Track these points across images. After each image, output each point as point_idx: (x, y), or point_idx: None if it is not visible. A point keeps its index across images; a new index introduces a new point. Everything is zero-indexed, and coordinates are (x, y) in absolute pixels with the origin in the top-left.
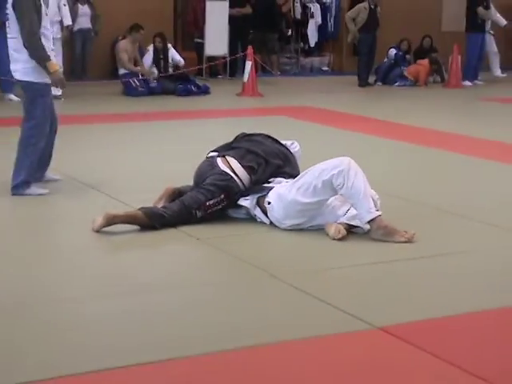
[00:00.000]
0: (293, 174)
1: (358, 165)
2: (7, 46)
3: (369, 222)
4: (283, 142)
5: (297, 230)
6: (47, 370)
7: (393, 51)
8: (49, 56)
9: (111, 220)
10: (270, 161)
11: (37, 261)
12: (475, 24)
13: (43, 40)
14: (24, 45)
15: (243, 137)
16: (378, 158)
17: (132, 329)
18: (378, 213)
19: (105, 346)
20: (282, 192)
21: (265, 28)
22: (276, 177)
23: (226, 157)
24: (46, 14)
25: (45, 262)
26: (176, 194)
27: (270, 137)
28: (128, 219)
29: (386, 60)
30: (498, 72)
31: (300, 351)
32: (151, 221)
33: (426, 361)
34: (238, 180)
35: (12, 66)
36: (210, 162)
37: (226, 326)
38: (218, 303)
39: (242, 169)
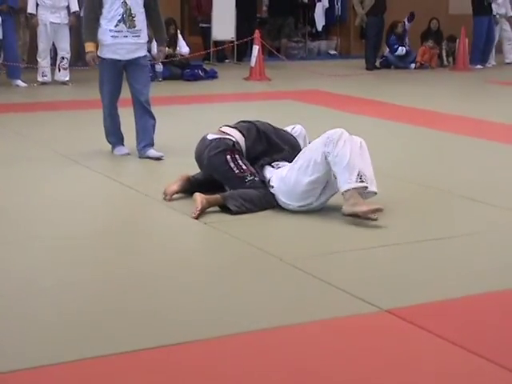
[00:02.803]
0: (294, 153)
1: (352, 139)
2: (15, 33)
3: (344, 194)
4: (285, 128)
5: (303, 212)
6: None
7: (397, 48)
8: (89, 39)
9: (205, 207)
10: (262, 130)
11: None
12: (481, 7)
13: (104, 22)
14: None
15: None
16: (385, 141)
17: (138, 315)
18: (356, 185)
19: (110, 330)
20: (283, 174)
21: (284, 13)
22: (277, 156)
23: (221, 128)
24: None
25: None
26: (191, 181)
27: (268, 124)
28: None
29: (386, 55)
30: (510, 58)
31: (308, 334)
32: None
33: (433, 343)
34: (228, 136)
35: None
36: (201, 139)
37: (233, 310)
38: (225, 287)
39: (233, 129)
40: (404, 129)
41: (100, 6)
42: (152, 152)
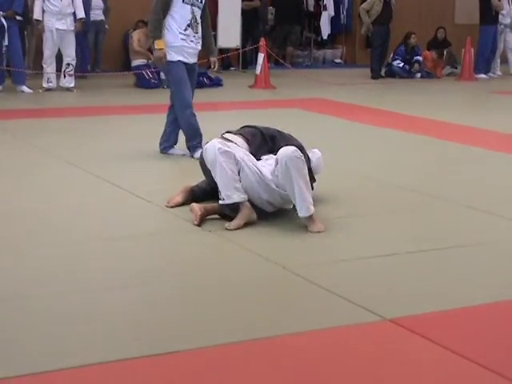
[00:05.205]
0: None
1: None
2: (20, 38)
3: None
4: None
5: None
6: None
7: (399, 64)
8: (159, 36)
9: (204, 214)
10: (267, 134)
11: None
12: (489, 16)
13: (173, 24)
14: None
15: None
16: (390, 150)
17: (139, 321)
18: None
19: (109, 338)
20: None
21: (291, 21)
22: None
23: (224, 135)
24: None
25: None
26: (194, 191)
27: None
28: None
29: (394, 63)
30: None
31: (311, 343)
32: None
33: (435, 352)
34: (233, 143)
35: None
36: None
37: (236, 319)
38: (227, 294)
39: (236, 136)
40: (406, 137)
41: (168, 8)
42: (177, 150)
